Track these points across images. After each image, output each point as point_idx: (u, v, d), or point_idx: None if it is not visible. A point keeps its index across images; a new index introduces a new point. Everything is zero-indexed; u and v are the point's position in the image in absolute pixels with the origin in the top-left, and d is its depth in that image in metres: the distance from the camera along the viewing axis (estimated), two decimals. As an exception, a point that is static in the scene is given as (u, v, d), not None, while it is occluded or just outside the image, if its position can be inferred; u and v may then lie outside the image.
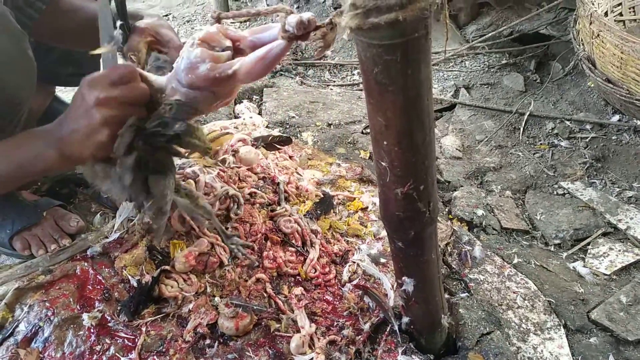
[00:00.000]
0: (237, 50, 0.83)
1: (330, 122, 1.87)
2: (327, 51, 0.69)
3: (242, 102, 1.90)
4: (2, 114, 1.00)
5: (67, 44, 1.31)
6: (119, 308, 1.07)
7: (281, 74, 2.33)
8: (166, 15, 3.22)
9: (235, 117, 1.79)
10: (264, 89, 2.10)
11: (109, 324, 1.05)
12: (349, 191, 1.47)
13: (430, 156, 0.76)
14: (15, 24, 0.98)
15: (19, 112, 1.04)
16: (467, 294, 1.23)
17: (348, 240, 1.31)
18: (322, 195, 1.40)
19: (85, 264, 1.14)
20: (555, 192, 1.65)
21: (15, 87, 1.00)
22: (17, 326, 1.04)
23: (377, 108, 0.68)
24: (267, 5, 2.89)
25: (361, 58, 0.64)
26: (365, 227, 1.35)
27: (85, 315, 1.04)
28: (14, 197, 1.23)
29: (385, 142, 0.72)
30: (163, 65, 0.99)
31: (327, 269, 1.21)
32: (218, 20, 0.84)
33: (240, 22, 2.86)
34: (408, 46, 0.58)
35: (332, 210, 1.38)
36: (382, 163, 0.76)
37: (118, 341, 1.02)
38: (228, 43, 0.82)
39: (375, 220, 1.38)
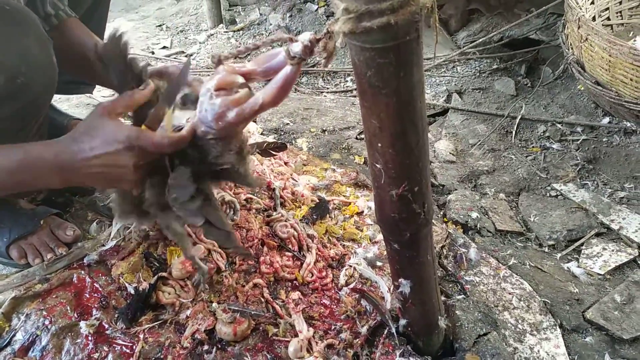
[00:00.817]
0: (250, 80, 0.85)
1: (324, 128, 1.89)
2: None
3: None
4: (25, 115, 1.03)
5: (64, 69, 1.32)
6: (116, 315, 1.07)
7: (275, 82, 2.34)
8: (159, 26, 3.24)
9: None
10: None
11: (107, 332, 1.05)
12: (344, 196, 1.48)
13: (424, 158, 0.77)
14: (43, 31, 1.00)
15: (40, 114, 1.07)
16: (463, 295, 1.23)
17: (344, 245, 1.31)
18: (317, 200, 1.41)
19: (82, 272, 1.14)
20: (548, 194, 1.67)
21: (41, 91, 1.04)
22: (14, 335, 1.04)
23: (371, 111, 0.69)
24: (260, 14, 2.91)
25: (354, 62, 0.65)
26: (361, 231, 1.36)
27: (82, 323, 1.04)
28: (11, 206, 1.23)
29: (379, 144, 0.73)
30: (190, 102, 0.95)
31: (323, 273, 1.22)
32: (219, 62, 0.85)
33: (234, 31, 2.88)
34: (400, 49, 0.60)
35: (327, 215, 1.39)
36: (377, 165, 0.77)
37: (116, 349, 1.02)
38: (241, 80, 0.83)
39: (371, 224, 1.39)
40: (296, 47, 0.69)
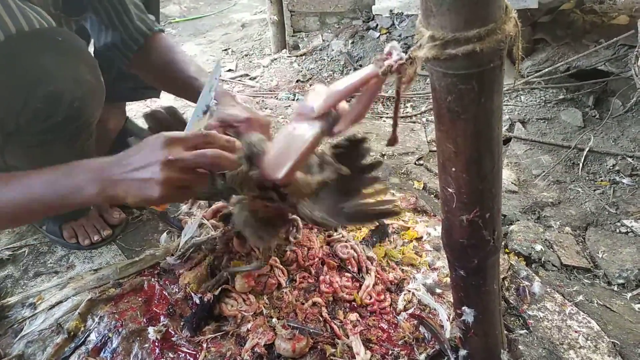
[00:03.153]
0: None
1: (383, 153, 1.90)
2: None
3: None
4: (79, 133, 1.12)
5: (154, 84, 1.44)
6: (182, 323, 1.12)
7: (335, 106, 2.39)
8: (225, 50, 3.39)
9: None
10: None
11: (173, 339, 1.09)
12: (403, 220, 1.48)
13: (497, 185, 0.77)
14: (91, 55, 1.11)
15: (90, 130, 1.18)
16: (526, 330, 1.19)
17: (403, 269, 1.31)
18: (377, 224, 1.41)
19: (153, 279, 1.20)
20: (617, 230, 1.60)
21: (93, 111, 1.13)
22: (88, 335, 1.10)
23: (448, 135, 0.70)
24: (323, 40, 2.99)
25: (434, 87, 0.66)
26: (420, 256, 1.35)
27: (151, 329, 1.09)
28: None
29: (453, 169, 0.74)
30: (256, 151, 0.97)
31: (382, 297, 1.22)
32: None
33: (297, 57, 2.98)
34: (483, 76, 0.61)
35: (387, 239, 1.39)
36: (449, 189, 0.77)
37: (180, 356, 1.06)
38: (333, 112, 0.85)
39: (430, 251, 1.37)
40: (394, 58, 0.65)
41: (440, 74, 0.63)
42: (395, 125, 0.72)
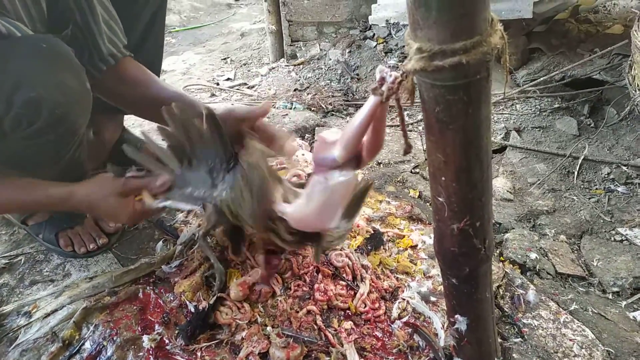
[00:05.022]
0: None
1: (379, 161, 1.91)
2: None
3: (294, 140, 1.97)
4: (64, 141, 1.13)
5: (121, 106, 1.43)
6: (176, 332, 1.12)
7: (332, 114, 2.41)
8: (224, 59, 3.41)
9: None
10: (316, 128, 2.17)
11: (167, 347, 1.09)
12: (398, 229, 1.49)
13: (488, 193, 0.78)
14: (77, 61, 1.10)
15: (76, 138, 1.18)
16: (520, 339, 1.19)
17: (398, 277, 1.31)
18: (372, 231, 1.42)
19: (148, 287, 1.20)
20: (612, 239, 1.60)
21: (77, 118, 1.14)
22: (83, 344, 1.10)
23: (437, 145, 0.71)
24: (320, 50, 3.01)
25: (423, 97, 0.68)
26: (415, 264, 1.36)
27: (145, 337, 1.09)
28: None
29: (443, 178, 0.75)
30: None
31: (377, 305, 1.22)
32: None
33: (294, 66, 3.00)
34: (470, 87, 0.62)
35: (382, 247, 1.40)
36: (439, 198, 0.78)
37: (174, 364, 1.06)
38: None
39: (425, 259, 1.38)
40: (388, 77, 0.67)
41: (429, 85, 0.64)
42: (405, 135, 0.74)
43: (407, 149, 0.75)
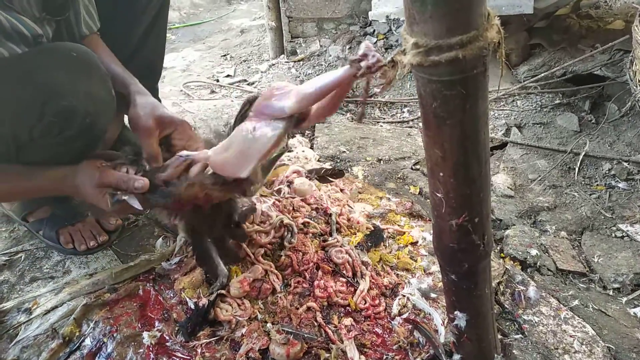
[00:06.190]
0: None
1: (380, 158, 1.91)
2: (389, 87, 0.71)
3: (294, 136, 1.97)
4: (90, 147, 1.14)
5: None
6: (176, 329, 1.12)
7: (332, 111, 2.40)
8: (224, 55, 3.41)
9: (289, 151, 1.85)
10: (316, 124, 2.17)
11: (167, 344, 1.09)
12: (398, 225, 1.48)
13: (486, 189, 0.78)
14: (104, 70, 1.11)
15: (100, 142, 1.20)
16: (520, 335, 1.19)
17: (398, 274, 1.31)
18: (372, 228, 1.42)
19: (148, 284, 1.20)
20: (613, 235, 1.60)
21: (104, 124, 1.16)
22: (83, 341, 1.11)
23: (434, 140, 0.71)
24: (320, 46, 3.01)
25: (420, 93, 0.67)
26: (415, 261, 1.36)
27: (145, 334, 1.10)
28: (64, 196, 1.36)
29: (441, 174, 0.74)
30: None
31: (377, 301, 1.22)
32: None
33: (295, 62, 2.99)
34: (467, 82, 0.62)
35: (382, 243, 1.39)
36: (438, 194, 0.78)
37: (175, 360, 1.07)
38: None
39: (426, 255, 1.38)
40: (371, 56, 0.67)
41: (425, 80, 0.64)
42: (363, 106, 0.74)
43: (360, 117, 0.76)
